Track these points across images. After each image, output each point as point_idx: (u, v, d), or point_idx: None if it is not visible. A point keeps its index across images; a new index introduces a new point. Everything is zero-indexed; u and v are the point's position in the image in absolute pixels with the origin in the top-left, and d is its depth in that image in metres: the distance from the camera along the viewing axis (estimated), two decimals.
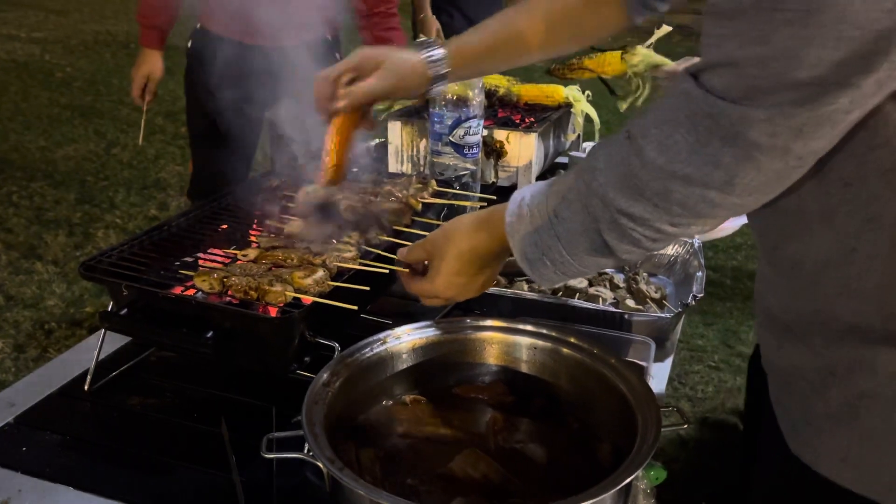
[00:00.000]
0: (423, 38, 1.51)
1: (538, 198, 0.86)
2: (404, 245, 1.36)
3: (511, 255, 0.91)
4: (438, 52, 1.18)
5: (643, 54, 2.13)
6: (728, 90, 0.66)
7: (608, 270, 1.59)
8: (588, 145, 2.34)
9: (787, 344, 0.85)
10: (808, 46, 0.61)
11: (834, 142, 0.68)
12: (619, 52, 2.17)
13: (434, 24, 3.99)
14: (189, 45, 2.56)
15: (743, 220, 1.80)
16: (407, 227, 1.42)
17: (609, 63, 2.18)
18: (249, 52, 2.03)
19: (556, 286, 1.46)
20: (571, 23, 1.20)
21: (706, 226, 0.77)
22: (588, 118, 2.28)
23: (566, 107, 2.20)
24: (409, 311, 1.46)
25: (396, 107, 2.13)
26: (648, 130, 0.72)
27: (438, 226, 1.04)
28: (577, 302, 1.39)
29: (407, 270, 1.06)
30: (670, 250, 1.62)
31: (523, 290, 1.45)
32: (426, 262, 1.03)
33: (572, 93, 2.20)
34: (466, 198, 1.65)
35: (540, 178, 2.06)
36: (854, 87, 0.61)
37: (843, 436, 0.80)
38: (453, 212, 1.62)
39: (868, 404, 0.77)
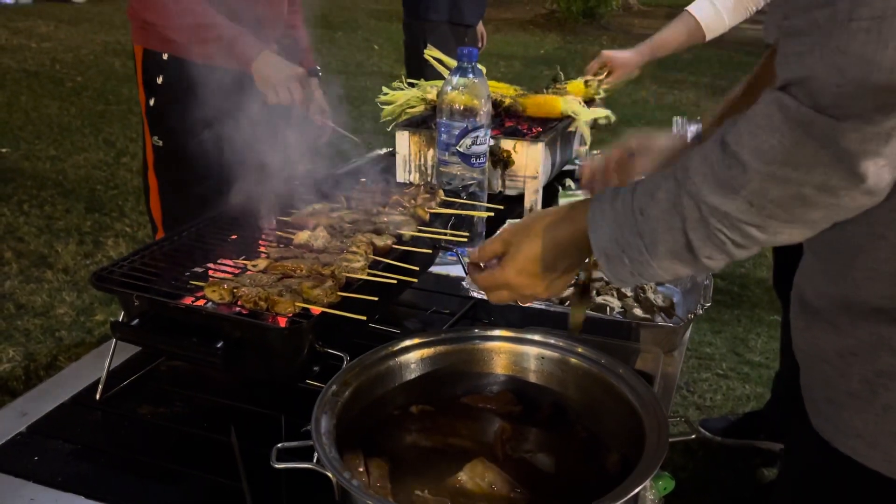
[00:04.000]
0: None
1: (624, 195, 0.86)
2: (413, 252, 1.38)
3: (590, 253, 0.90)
4: (694, 129, 1.26)
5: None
6: (815, 102, 0.69)
7: None
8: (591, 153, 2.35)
9: (815, 327, 0.89)
10: (884, 50, 0.64)
11: None
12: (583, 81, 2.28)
13: None
14: (160, 80, 2.09)
15: None
16: (414, 236, 1.43)
17: (541, 105, 2.23)
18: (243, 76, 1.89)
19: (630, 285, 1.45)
20: None
21: (795, 232, 0.77)
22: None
23: (571, 118, 2.21)
24: (417, 322, 1.47)
25: (404, 116, 2.14)
26: (741, 137, 0.75)
27: (444, 235, 1.06)
28: None
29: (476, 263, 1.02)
30: None
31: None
32: (487, 266, 1.01)
33: (572, 106, 2.20)
34: (474, 207, 1.66)
35: (547, 187, 2.07)
36: None
37: (861, 412, 0.84)
38: (461, 221, 1.63)
39: (886, 382, 0.82)
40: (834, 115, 0.68)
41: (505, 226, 1.01)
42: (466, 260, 1.08)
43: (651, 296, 1.49)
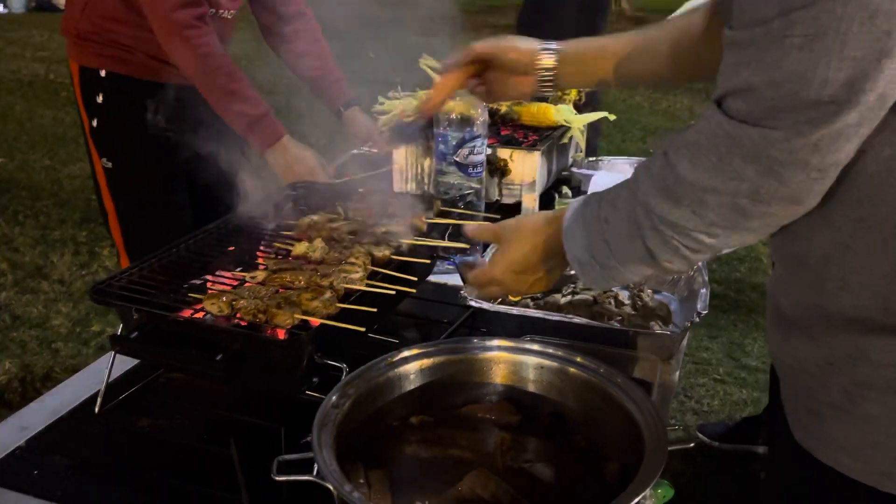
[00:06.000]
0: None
1: (592, 204, 0.93)
2: (411, 262, 1.38)
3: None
4: (554, 44, 1.20)
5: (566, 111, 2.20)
6: (749, 113, 0.72)
7: (613, 288, 1.60)
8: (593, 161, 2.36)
9: (793, 338, 0.89)
10: (815, 68, 0.67)
11: (852, 153, 0.73)
12: (551, 106, 2.23)
13: None
14: (100, 98, 2.03)
15: None
16: (412, 247, 1.43)
17: (535, 114, 2.20)
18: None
19: (603, 290, 1.53)
20: (693, 54, 1.14)
21: (744, 238, 0.81)
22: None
23: (566, 126, 2.21)
24: (416, 332, 1.47)
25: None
26: (679, 150, 0.80)
27: (442, 244, 1.10)
28: (582, 320, 1.39)
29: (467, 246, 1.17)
30: None
31: (528, 308, 1.46)
32: (477, 264, 1.11)
33: (564, 114, 2.20)
34: (471, 216, 1.66)
35: (544, 194, 2.08)
36: (861, 103, 0.67)
37: (842, 424, 0.85)
38: (458, 231, 1.63)
39: (864, 393, 0.82)
40: (766, 126, 0.71)
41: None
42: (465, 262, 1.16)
43: (648, 304, 1.50)
